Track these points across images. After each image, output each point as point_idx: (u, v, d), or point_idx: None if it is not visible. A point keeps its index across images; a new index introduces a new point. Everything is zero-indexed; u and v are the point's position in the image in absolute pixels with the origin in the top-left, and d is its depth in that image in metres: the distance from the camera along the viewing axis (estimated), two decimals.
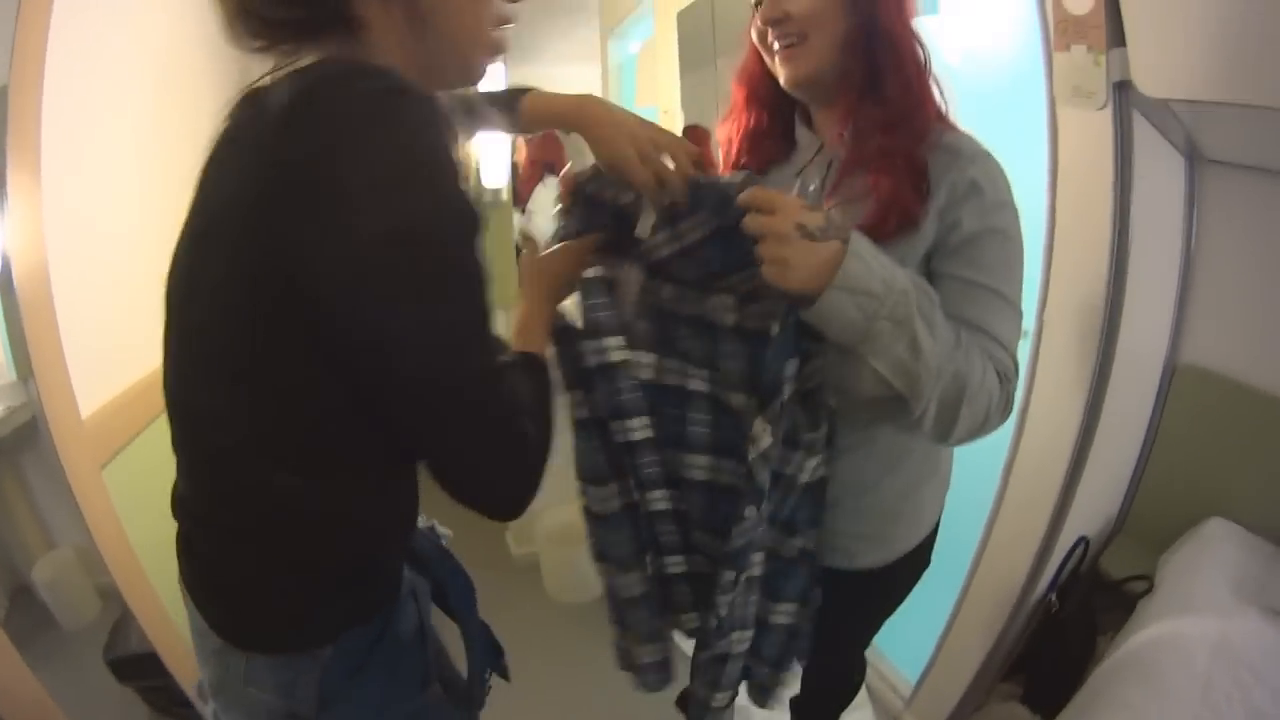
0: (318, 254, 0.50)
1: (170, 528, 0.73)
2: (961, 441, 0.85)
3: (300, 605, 0.68)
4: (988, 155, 0.89)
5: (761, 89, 1.01)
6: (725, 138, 1.09)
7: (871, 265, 0.74)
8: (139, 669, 1.43)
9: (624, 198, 0.94)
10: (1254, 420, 1.31)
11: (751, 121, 1.04)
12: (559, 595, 1.11)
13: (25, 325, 1.36)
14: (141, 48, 1.93)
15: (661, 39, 2.50)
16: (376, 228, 0.49)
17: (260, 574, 0.67)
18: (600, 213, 0.96)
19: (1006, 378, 0.85)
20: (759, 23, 0.91)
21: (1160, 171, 1.31)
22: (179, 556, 0.74)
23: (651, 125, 0.90)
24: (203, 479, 0.68)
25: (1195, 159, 1.36)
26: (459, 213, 0.54)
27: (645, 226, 0.91)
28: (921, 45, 0.91)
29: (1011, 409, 0.87)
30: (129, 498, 1.56)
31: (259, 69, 0.60)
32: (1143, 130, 1.22)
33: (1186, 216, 1.38)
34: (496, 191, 2.43)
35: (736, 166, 1.06)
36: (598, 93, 2.54)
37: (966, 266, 0.86)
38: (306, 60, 0.56)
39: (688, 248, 0.90)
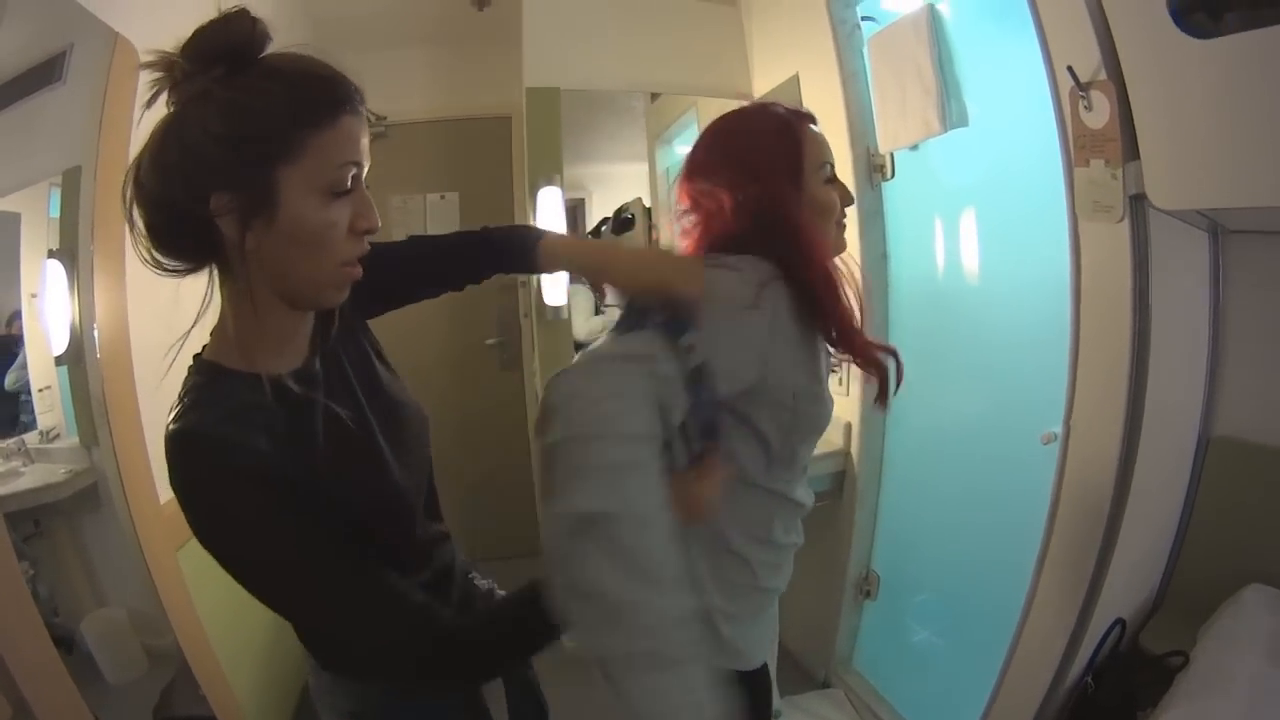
0: None
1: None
2: None
3: None
4: None
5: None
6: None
7: None
8: None
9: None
10: None
11: None
12: None
13: (109, 406, 1.44)
14: None
15: None
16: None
17: None
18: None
19: None
20: (841, 204, 1.00)
21: (1183, 253, 1.36)
22: None
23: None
24: None
25: (1219, 232, 1.41)
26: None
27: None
28: None
29: None
30: (199, 572, 1.63)
31: None
32: (1162, 220, 1.27)
33: (1213, 291, 1.42)
34: (557, 309, 2.46)
35: None
36: (645, 194, 2.70)
37: None
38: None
39: None
